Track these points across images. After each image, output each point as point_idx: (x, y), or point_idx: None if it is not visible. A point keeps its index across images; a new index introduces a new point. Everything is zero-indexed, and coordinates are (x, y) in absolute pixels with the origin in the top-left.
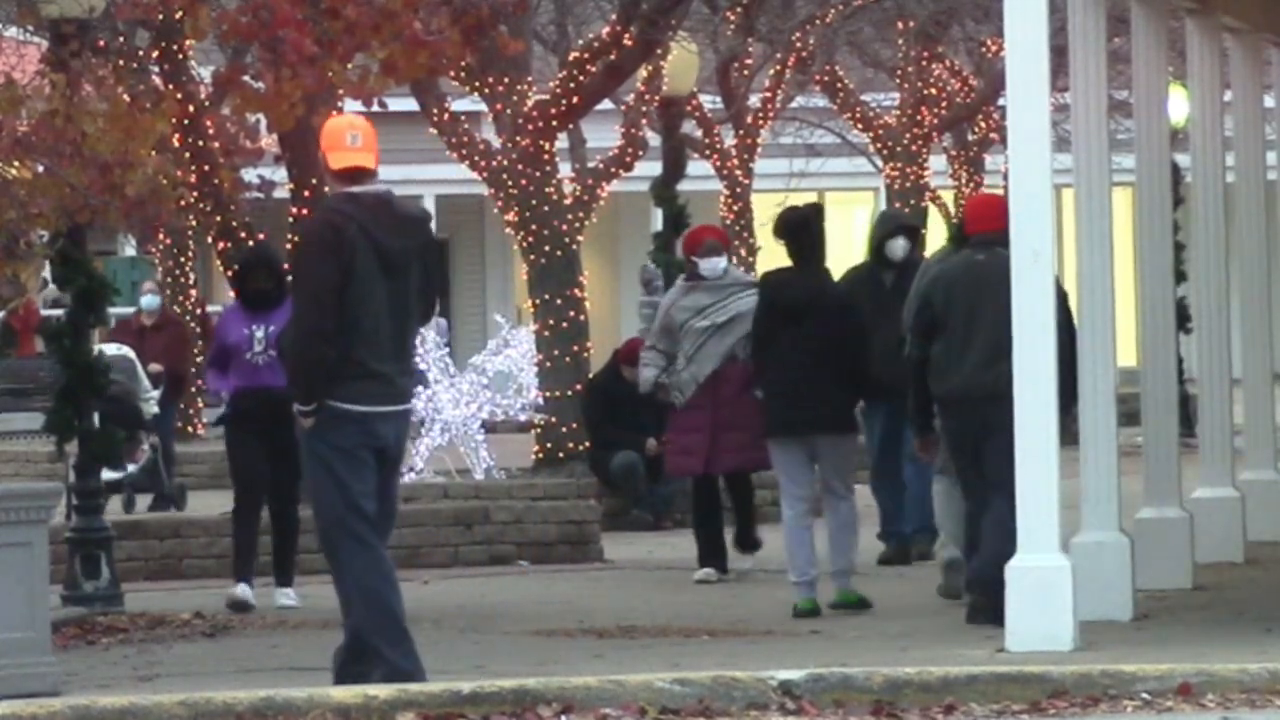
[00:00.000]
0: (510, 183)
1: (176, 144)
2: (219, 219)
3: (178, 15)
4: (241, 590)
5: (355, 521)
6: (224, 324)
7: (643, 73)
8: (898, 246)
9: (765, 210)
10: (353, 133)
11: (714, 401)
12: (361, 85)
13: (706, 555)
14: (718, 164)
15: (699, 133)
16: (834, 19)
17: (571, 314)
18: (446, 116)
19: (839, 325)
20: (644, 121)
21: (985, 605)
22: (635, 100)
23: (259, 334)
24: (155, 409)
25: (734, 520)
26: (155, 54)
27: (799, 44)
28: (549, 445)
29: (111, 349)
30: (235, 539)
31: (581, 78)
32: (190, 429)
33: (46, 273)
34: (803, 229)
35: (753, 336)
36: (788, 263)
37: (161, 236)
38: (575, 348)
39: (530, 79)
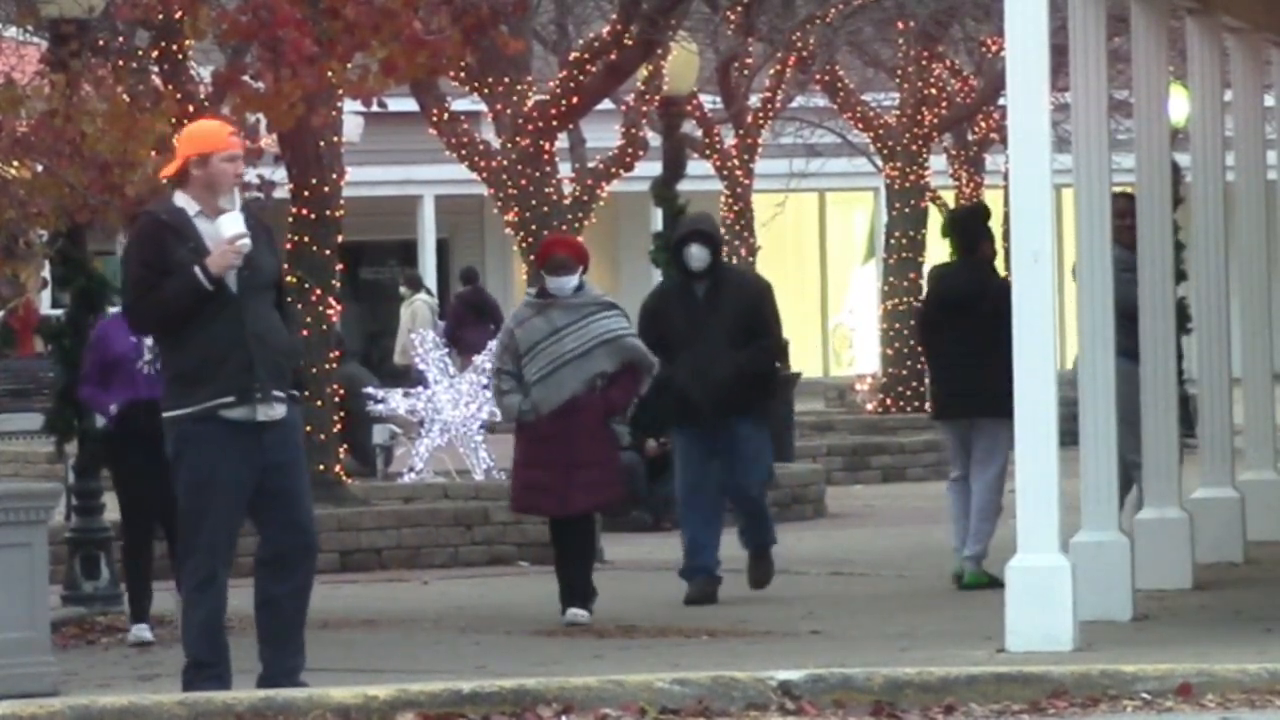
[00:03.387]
0: (510, 183)
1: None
2: None
3: (177, 15)
4: (141, 631)
5: None
6: (105, 335)
7: (643, 73)
8: (692, 256)
9: (765, 210)
10: None
11: (570, 434)
12: (361, 85)
13: (573, 595)
14: (718, 164)
15: (699, 133)
16: (834, 19)
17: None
18: (446, 116)
19: (1000, 316)
20: (644, 121)
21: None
22: (635, 100)
23: (148, 341)
24: None
25: (571, 565)
26: (155, 54)
27: (799, 44)
28: None
29: None
30: (130, 575)
31: (581, 78)
32: None
33: (46, 272)
34: (965, 226)
35: (918, 326)
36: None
37: None
38: None
39: (530, 79)
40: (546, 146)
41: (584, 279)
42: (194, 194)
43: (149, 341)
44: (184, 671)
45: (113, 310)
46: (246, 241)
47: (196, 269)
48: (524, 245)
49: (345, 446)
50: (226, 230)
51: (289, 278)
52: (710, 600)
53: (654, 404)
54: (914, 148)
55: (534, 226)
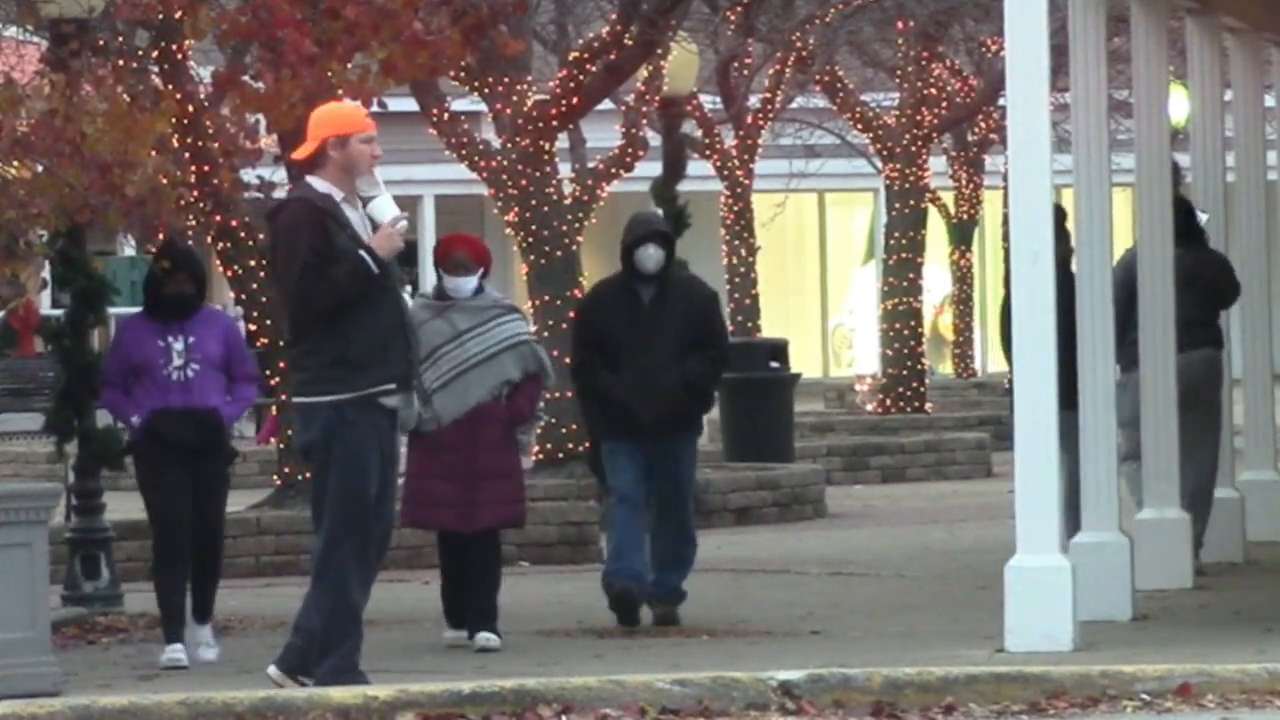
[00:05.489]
0: (510, 183)
1: (176, 144)
2: (219, 219)
3: (177, 15)
4: (176, 654)
5: None
6: (127, 338)
7: (643, 73)
8: (648, 257)
9: (765, 210)
10: None
11: (474, 445)
12: (361, 85)
13: (459, 614)
14: (718, 164)
15: (699, 133)
16: (834, 19)
17: (571, 315)
18: (446, 116)
19: (1071, 314)
20: (644, 121)
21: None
22: (635, 100)
23: (178, 346)
24: None
25: (474, 586)
26: (155, 54)
27: (799, 44)
28: (549, 445)
29: None
30: (162, 595)
31: (581, 78)
32: None
33: (46, 273)
34: (1056, 228)
35: (1005, 322)
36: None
37: (161, 236)
38: None
39: (530, 79)
40: (546, 146)
41: (483, 281)
42: (330, 177)
43: (179, 345)
44: (332, 659)
45: (132, 310)
46: (405, 223)
47: (363, 254)
48: (524, 245)
49: None
50: (385, 214)
51: None
52: (634, 608)
53: (595, 413)
54: (914, 148)
55: (534, 227)
